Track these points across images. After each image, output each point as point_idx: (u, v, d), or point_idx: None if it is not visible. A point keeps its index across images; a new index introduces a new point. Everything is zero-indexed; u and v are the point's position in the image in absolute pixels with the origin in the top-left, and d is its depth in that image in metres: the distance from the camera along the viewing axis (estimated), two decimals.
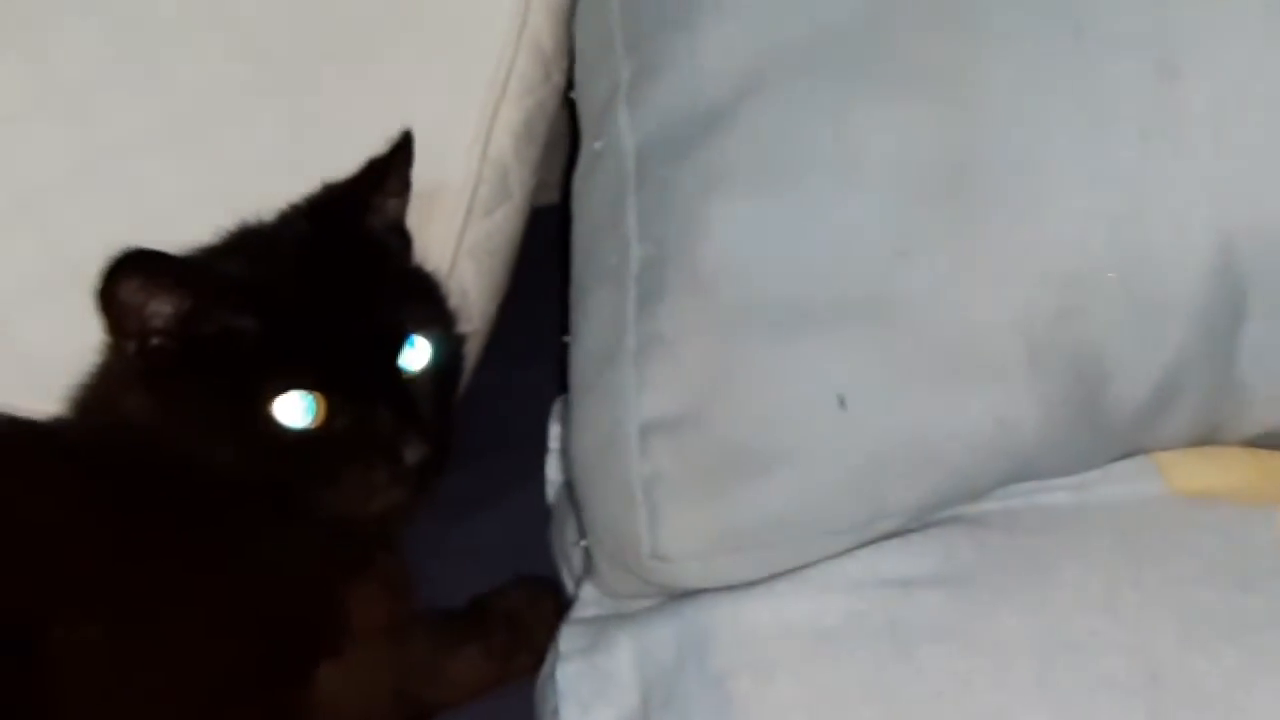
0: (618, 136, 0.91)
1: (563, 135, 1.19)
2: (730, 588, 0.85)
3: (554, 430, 1.18)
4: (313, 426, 0.94)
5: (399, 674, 0.98)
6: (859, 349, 0.82)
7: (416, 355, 1.00)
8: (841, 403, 0.82)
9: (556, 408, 1.18)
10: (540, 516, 1.19)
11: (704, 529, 0.84)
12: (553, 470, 1.18)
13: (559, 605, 1.06)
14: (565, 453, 0.92)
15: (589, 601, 0.93)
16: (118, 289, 0.93)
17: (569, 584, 1.08)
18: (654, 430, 0.85)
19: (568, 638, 0.88)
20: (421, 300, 1.02)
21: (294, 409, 0.94)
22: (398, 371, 0.98)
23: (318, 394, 0.94)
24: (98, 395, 1.01)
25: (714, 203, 0.85)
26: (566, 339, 0.97)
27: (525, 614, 1.05)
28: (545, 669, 0.96)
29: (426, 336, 1.00)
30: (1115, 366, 0.83)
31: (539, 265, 1.28)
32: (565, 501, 1.11)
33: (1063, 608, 0.81)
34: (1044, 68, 0.83)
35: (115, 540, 0.94)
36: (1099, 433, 0.85)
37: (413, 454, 0.95)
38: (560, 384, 1.22)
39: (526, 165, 1.17)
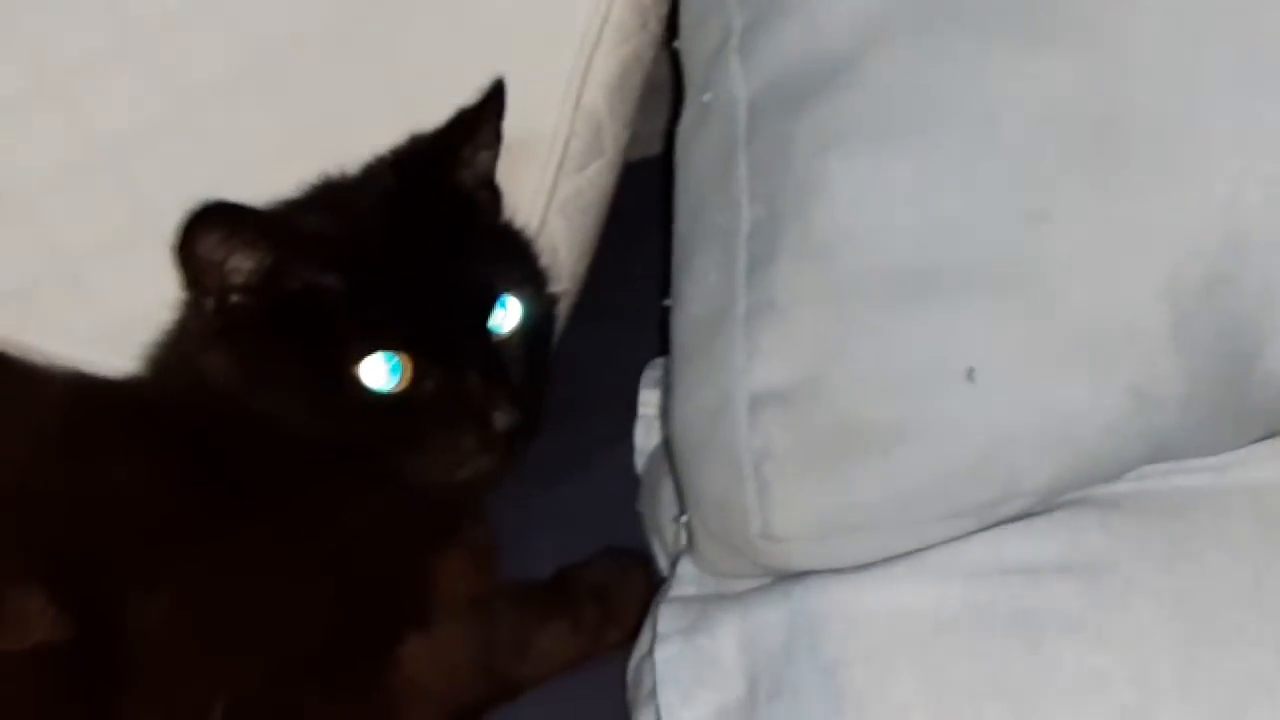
0: (728, 88, 0.85)
1: (657, 88, 1.13)
2: (842, 571, 0.80)
3: (644, 395, 1.13)
4: (398, 390, 0.90)
5: (485, 648, 0.94)
6: (990, 319, 0.76)
7: (507, 316, 0.95)
8: (970, 376, 0.76)
9: (648, 372, 1.13)
10: (629, 484, 1.14)
11: (817, 508, 0.79)
12: (642, 437, 1.13)
13: (649, 579, 1.02)
14: (666, 423, 0.87)
15: (687, 579, 0.88)
16: (197, 243, 0.89)
17: (660, 557, 1.04)
18: (765, 402, 0.80)
19: (667, 617, 0.84)
20: (512, 259, 0.97)
21: (379, 371, 0.90)
22: (487, 333, 0.94)
23: (404, 356, 0.90)
24: (175, 354, 0.97)
25: (833, 160, 0.79)
26: (667, 303, 0.92)
27: (614, 588, 1.00)
28: (640, 648, 0.91)
29: (518, 296, 0.95)
30: (1266, 340, 0.77)
31: (628, 222, 1.24)
32: (657, 471, 1.07)
33: (1205, 600, 0.75)
34: (1197, 17, 0.76)
35: (192, 505, 0.90)
36: (1244, 411, 0.79)
37: (502, 420, 0.90)
38: (652, 348, 1.18)
39: (620, 119, 1.11)
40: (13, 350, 0.99)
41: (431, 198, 0.96)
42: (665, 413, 0.89)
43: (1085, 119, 0.77)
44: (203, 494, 0.91)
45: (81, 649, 0.86)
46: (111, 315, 1.07)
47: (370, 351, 0.90)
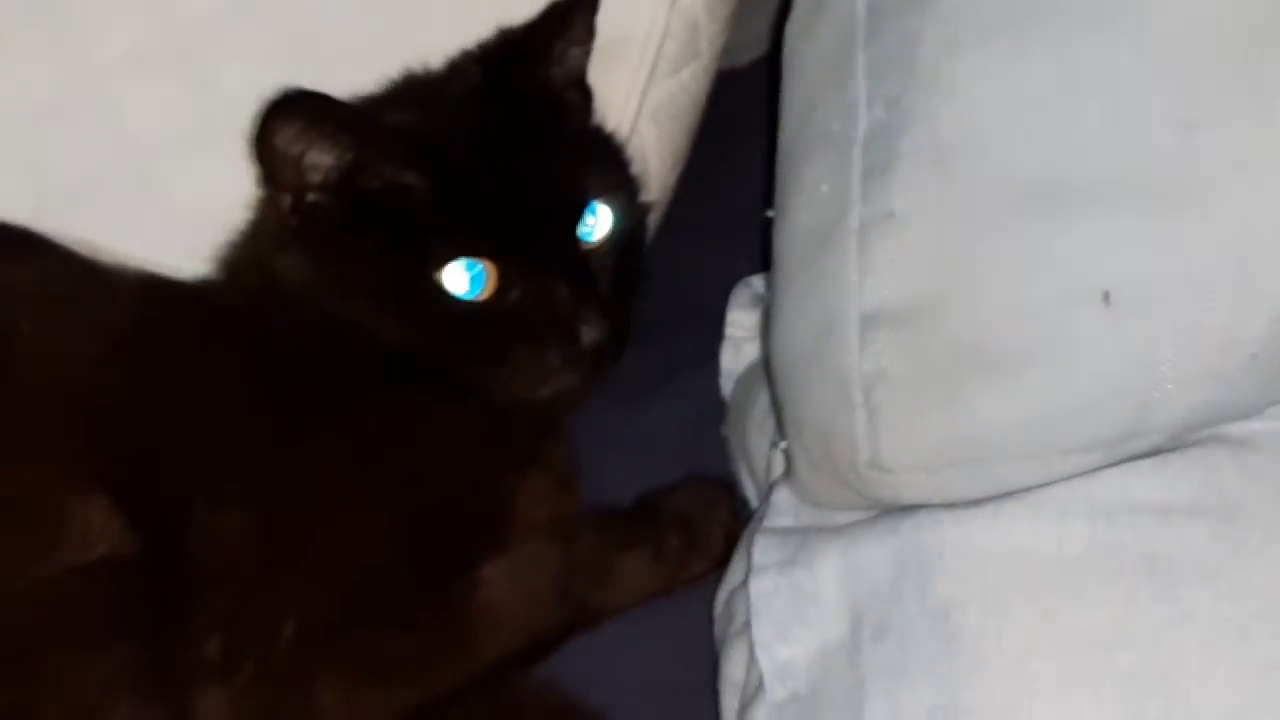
0: None
1: None
2: (955, 506, 0.74)
3: (732, 316, 1.08)
4: (481, 298, 0.85)
5: (564, 574, 0.90)
6: (1132, 236, 0.70)
7: (597, 225, 0.90)
8: (1106, 299, 0.70)
9: (738, 291, 1.08)
10: (713, 408, 1.09)
11: (932, 437, 0.73)
12: (729, 359, 1.08)
13: (734, 508, 0.97)
14: (766, 343, 0.82)
15: (784, 509, 0.83)
16: (274, 135, 0.84)
17: (746, 485, 0.99)
18: (878, 322, 0.74)
19: (763, 548, 0.79)
20: (603, 164, 0.91)
21: (461, 278, 0.85)
22: (576, 242, 0.88)
23: (488, 263, 0.85)
24: (248, 255, 0.92)
25: (961, 59, 0.73)
26: (769, 214, 0.86)
27: (699, 515, 0.96)
28: (730, 580, 0.87)
29: (608, 204, 0.90)
30: None
31: (717, 134, 1.18)
32: (745, 395, 1.01)
33: None
34: None
35: (263, 415, 0.86)
36: None
37: (590, 334, 0.85)
38: (740, 266, 1.12)
39: (718, 21, 1.05)
40: (80, 249, 0.94)
41: (520, 96, 0.91)
42: (765, 332, 0.83)
43: (1244, 22, 0.70)
44: (274, 403, 0.86)
45: (146, 564, 0.82)
46: (181, 213, 1.03)
47: (452, 257, 0.85)
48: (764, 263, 1.11)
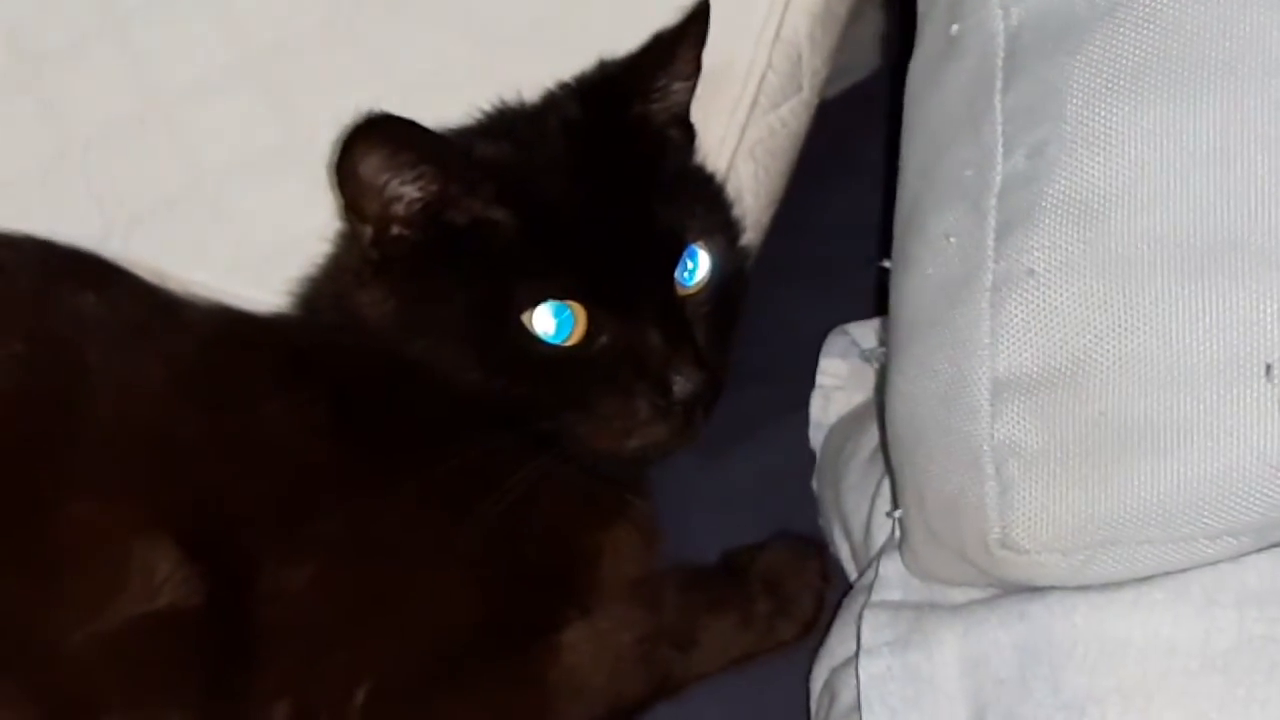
0: (983, 19, 0.73)
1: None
2: (1088, 589, 0.69)
3: (825, 364, 1.03)
4: (569, 343, 0.80)
5: (648, 639, 0.84)
6: None
7: (695, 270, 0.84)
8: (1269, 372, 0.64)
9: (833, 339, 1.02)
10: (801, 461, 1.03)
11: (1071, 516, 0.67)
12: (818, 410, 1.03)
13: (826, 569, 0.92)
14: (884, 402, 0.76)
15: (893, 582, 0.77)
16: (358, 162, 0.79)
17: (839, 544, 0.93)
18: (1012, 388, 0.68)
19: (873, 626, 0.73)
20: (704, 206, 0.86)
21: (549, 321, 0.80)
22: (672, 287, 0.83)
23: (578, 306, 0.80)
24: (326, 290, 0.87)
25: (1116, 107, 0.67)
26: (885, 264, 0.80)
27: (788, 577, 0.90)
28: (829, 654, 0.81)
29: (708, 249, 0.84)
30: None
31: (809, 170, 1.12)
32: (839, 449, 0.96)
33: None
34: None
35: (338, 461, 0.81)
36: None
37: (683, 386, 0.80)
38: (833, 311, 1.07)
39: (821, 52, 1.00)
40: (147, 276, 0.89)
41: (618, 131, 0.85)
42: (882, 391, 0.77)
43: None
44: (350, 449, 0.81)
45: (211, 618, 0.77)
46: (254, 242, 0.99)
47: (541, 299, 0.79)
48: (861, 309, 1.07)
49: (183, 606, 0.77)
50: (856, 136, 1.19)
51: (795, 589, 0.89)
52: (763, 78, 0.97)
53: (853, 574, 0.92)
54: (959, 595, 0.74)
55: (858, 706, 0.73)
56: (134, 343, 0.83)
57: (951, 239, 0.72)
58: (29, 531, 0.76)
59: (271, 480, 0.80)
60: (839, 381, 1.02)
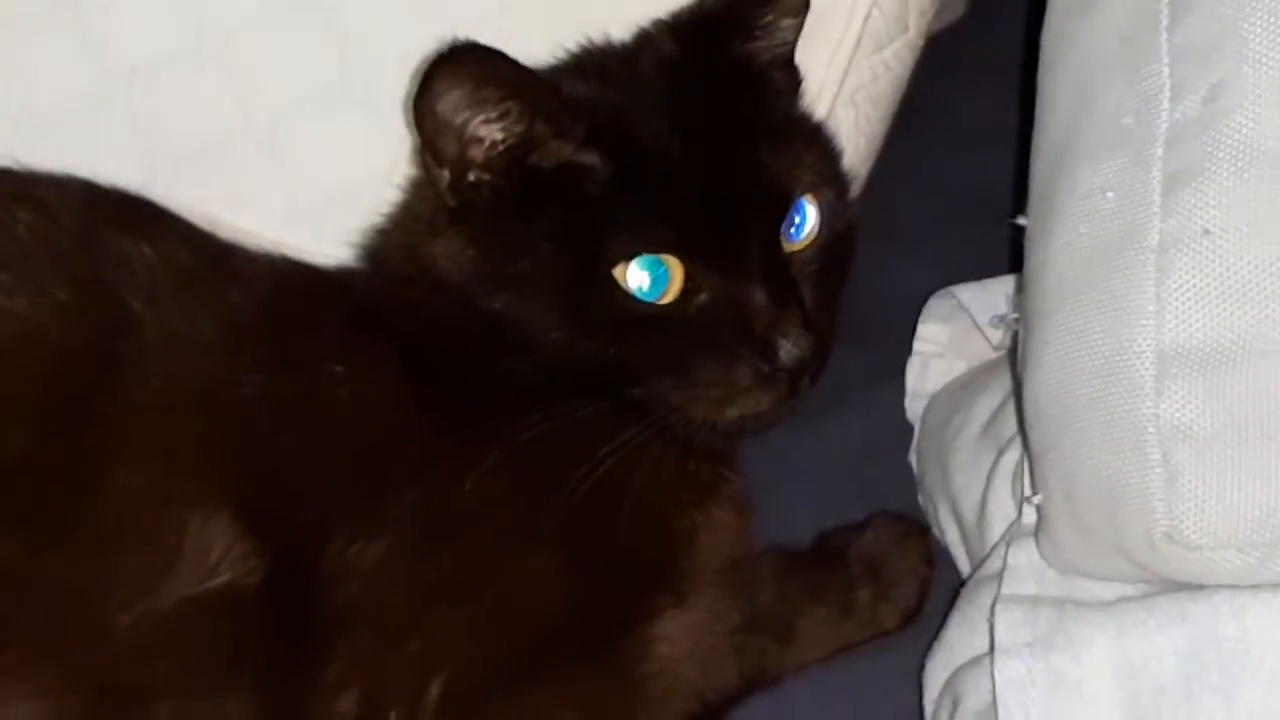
0: None
1: None
2: (1259, 588, 0.61)
3: (925, 330, 0.96)
4: (664, 301, 0.73)
5: (742, 629, 0.77)
6: None
7: (803, 224, 0.76)
8: None
9: (934, 302, 0.95)
10: (895, 432, 0.97)
11: (1250, 509, 0.60)
12: (915, 378, 0.96)
13: (930, 552, 0.85)
14: (1021, 376, 0.68)
15: (1025, 573, 0.70)
16: (437, 98, 0.71)
17: (945, 525, 0.87)
18: (1182, 363, 0.61)
19: (1009, 623, 0.66)
20: (813, 155, 0.78)
21: (643, 276, 0.73)
22: (778, 242, 0.75)
23: (674, 260, 0.72)
24: (396, 241, 0.80)
25: None
26: (1020, 220, 0.72)
27: (890, 562, 0.84)
28: (946, 649, 0.74)
29: (816, 202, 0.77)
30: None
31: (901, 116, 1.04)
32: (944, 421, 0.89)
33: None
34: None
35: (412, 430, 0.74)
36: None
37: (789, 350, 0.72)
38: (926, 270, 0.99)
39: None
40: (201, 224, 0.81)
41: (719, 72, 0.78)
42: (1019, 364, 0.70)
43: None
44: (424, 415, 0.74)
45: (272, 598, 0.70)
46: (310, 188, 0.91)
47: (634, 252, 0.72)
48: (960, 270, 0.99)
49: (240, 586, 0.70)
50: (947, 84, 1.13)
51: (898, 574, 0.83)
52: (867, 16, 0.90)
53: (961, 559, 0.85)
54: (1105, 592, 0.67)
55: (989, 713, 0.65)
56: (185, 294, 0.76)
57: (1109, 194, 0.65)
58: (72, 502, 0.69)
59: (338, 449, 0.73)
60: (938, 348, 0.96)
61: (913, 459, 0.94)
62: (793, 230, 0.76)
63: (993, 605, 0.69)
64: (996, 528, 0.79)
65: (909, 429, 0.97)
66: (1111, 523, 0.63)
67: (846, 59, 0.89)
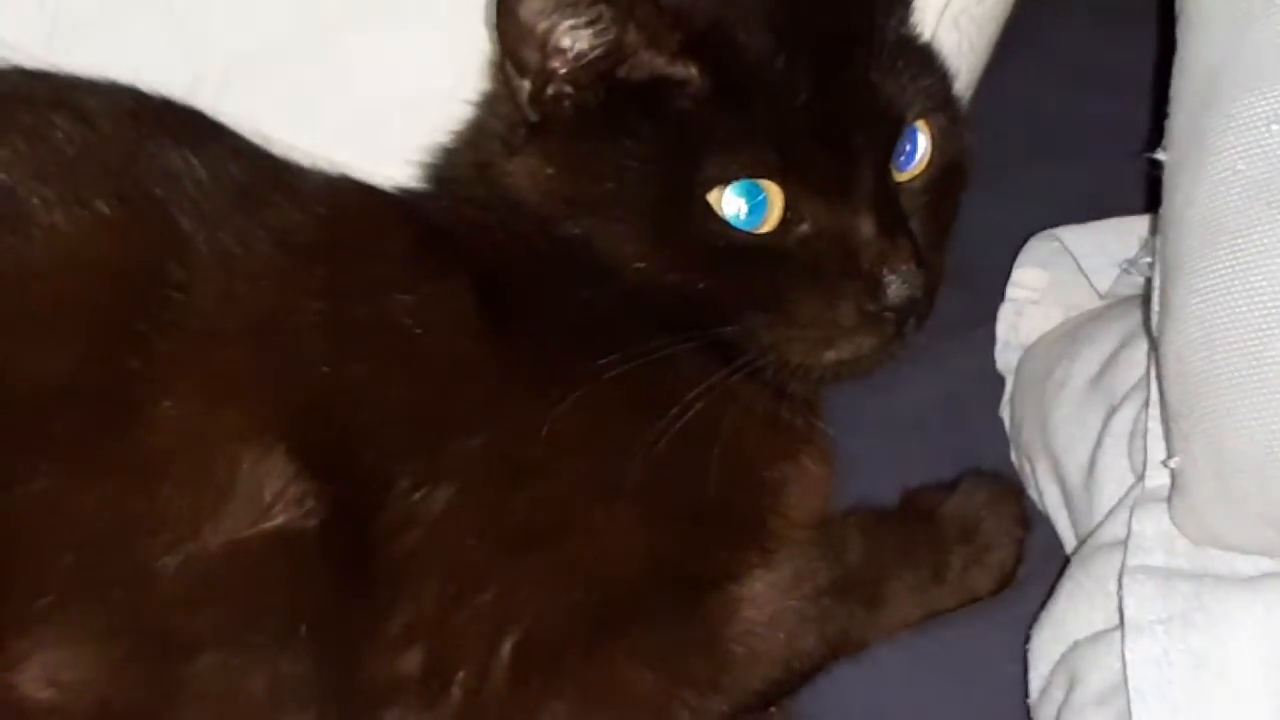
0: None
1: None
2: None
3: (1020, 275, 0.89)
4: (762, 230, 0.67)
5: (830, 593, 0.72)
6: None
7: (914, 153, 0.70)
8: None
9: (1036, 244, 0.90)
10: (982, 383, 0.91)
11: None
12: (1007, 326, 0.90)
13: (1025, 514, 0.80)
14: (1158, 327, 0.62)
15: (1153, 544, 0.64)
16: (519, 1, 0.64)
17: (1043, 484, 0.81)
18: None
19: (1140, 597, 0.60)
20: (928, 79, 0.71)
21: (740, 203, 0.66)
22: (888, 171, 0.68)
23: (774, 186, 0.66)
24: (467, 160, 0.74)
25: None
26: (1159, 154, 0.66)
27: (985, 524, 0.79)
28: (1054, 620, 0.68)
29: (930, 129, 0.70)
30: None
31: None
32: (1045, 373, 0.83)
33: None
34: None
35: (484, 365, 0.69)
36: None
37: (899, 288, 0.67)
38: (1019, 211, 0.93)
39: None
40: (253, 138, 0.75)
41: None
42: (1157, 312, 0.63)
43: None
44: (499, 349, 0.68)
45: (330, 544, 0.64)
46: (367, 98, 0.86)
47: (731, 177, 0.66)
48: (1056, 212, 0.92)
49: (296, 530, 0.64)
50: (1042, 12, 1.06)
51: (992, 536, 0.78)
52: None
53: (1060, 523, 0.80)
54: (1247, 566, 0.61)
55: (1114, 695, 0.59)
56: (237, 212, 0.70)
57: (1275, 127, 0.58)
58: (114, 433, 0.64)
59: (406, 384, 0.67)
60: (1034, 295, 0.90)
61: (1004, 413, 0.88)
62: (903, 159, 0.70)
63: (1119, 577, 0.62)
64: (1108, 490, 0.73)
65: (999, 381, 0.91)
66: (1263, 491, 0.57)
67: None
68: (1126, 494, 0.69)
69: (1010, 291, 0.90)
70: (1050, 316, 0.89)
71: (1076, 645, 0.64)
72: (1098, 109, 1.03)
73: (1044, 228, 0.93)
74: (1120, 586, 0.62)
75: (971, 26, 0.85)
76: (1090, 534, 0.70)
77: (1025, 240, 0.93)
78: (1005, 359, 0.90)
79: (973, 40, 0.86)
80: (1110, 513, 0.70)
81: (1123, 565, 0.63)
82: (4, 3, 0.86)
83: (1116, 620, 0.64)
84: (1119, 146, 1.04)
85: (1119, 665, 0.60)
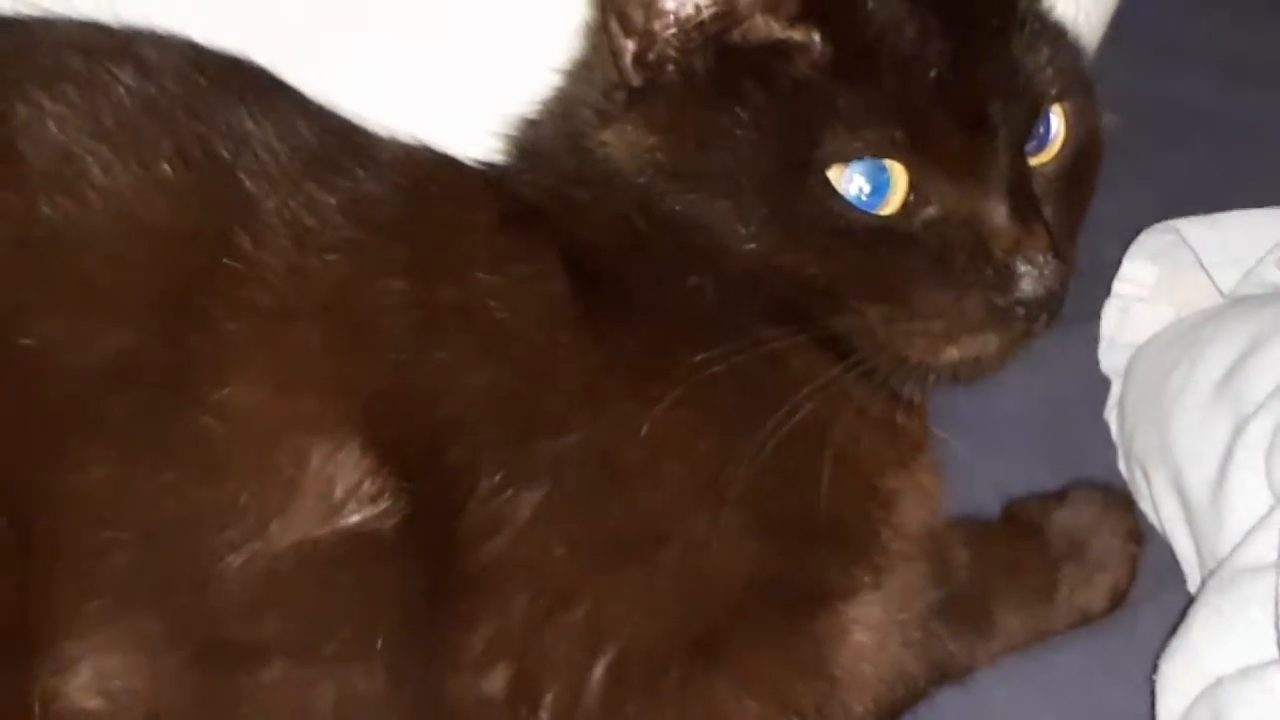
0: None
1: None
2: None
3: (1129, 269, 0.84)
4: (884, 212, 0.61)
5: (939, 614, 0.66)
6: None
7: (1049, 135, 0.65)
8: None
9: (1148, 238, 0.85)
10: (1085, 384, 0.86)
11: None
12: (1113, 324, 0.84)
13: (1137, 528, 0.76)
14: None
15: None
16: None
17: (1160, 496, 0.76)
18: None
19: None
20: (1063, 58, 0.65)
21: (861, 182, 0.60)
22: (1023, 154, 0.62)
23: (900, 165, 0.60)
24: (556, 130, 0.68)
25: None
26: None
27: (1094, 539, 0.75)
28: (1188, 649, 0.62)
29: (1064, 112, 0.64)
30: None
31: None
32: (1161, 376, 0.77)
33: None
34: None
35: (577, 354, 0.63)
36: None
37: (1034, 282, 0.60)
38: (1131, 203, 0.87)
39: None
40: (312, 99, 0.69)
41: None
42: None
43: None
44: (592, 339, 0.62)
45: (408, 548, 0.59)
46: (452, 68, 0.78)
47: (854, 154, 0.60)
48: (1167, 203, 0.87)
49: (372, 530, 0.59)
50: None
51: (1104, 553, 0.75)
52: None
53: (1179, 538, 0.75)
54: None
55: None
56: (309, 179, 0.64)
57: None
58: (176, 419, 0.58)
59: (490, 374, 0.61)
60: (1142, 291, 0.84)
61: (1111, 418, 0.82)
62: (1036, 142, 0.64)
63: (1269, 605, 0.57)
64: (1239, 507, 0.68)
65: (1102, 381, 0.85)
66: None
67: None
68: (1269, 513, 0.64)
69: (1117, 286, 0.85)
70: (1160, 315, 0.83)
71: (1221, 681, 0.59)
72: (1208, 95, 0.98)
73: (1143, 217, 0.88)
74: (1273, 615, 0.56)
75: (1091, 2, 0.79)
76: (1228, 556, 0.64)
77: (1125, 230, 0.88)
78: (1110, 359, 0.84)
79: (1089, 15, 0.80)
80: (1250, 533, 0.64)
81: (1277, 594, 0.57)
82: None
83: (1261, 652, 0.59)
84: (1231, 134, 0.99)
85: (1273, 704, 0.54)
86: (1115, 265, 0.85)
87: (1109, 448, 0.83)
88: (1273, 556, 0.61)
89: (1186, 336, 0.77)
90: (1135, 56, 1.00)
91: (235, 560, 0.58)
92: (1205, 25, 1.03)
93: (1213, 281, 0.78)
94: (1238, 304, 0.77)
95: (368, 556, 0.59)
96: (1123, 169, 0.93)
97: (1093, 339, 0.86)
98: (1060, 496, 0.76)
